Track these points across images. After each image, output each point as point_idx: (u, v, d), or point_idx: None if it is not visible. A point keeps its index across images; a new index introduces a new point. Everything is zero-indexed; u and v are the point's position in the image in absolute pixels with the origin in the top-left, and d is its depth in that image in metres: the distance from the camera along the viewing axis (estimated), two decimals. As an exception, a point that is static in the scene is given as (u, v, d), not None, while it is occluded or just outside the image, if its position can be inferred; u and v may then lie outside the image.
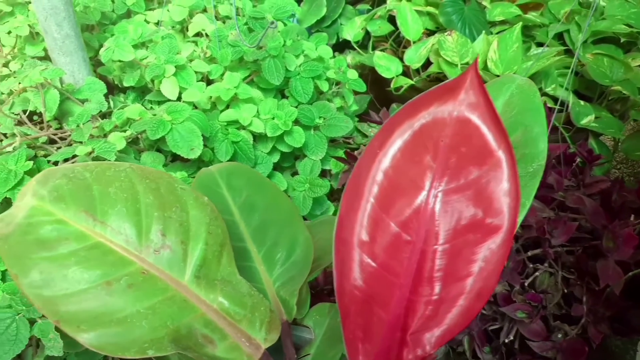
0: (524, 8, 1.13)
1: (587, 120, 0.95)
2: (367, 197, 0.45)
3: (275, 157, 0.89)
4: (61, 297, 0.41)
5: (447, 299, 0.43)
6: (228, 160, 0.82)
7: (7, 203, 0.73)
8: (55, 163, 0.78)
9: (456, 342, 0.76)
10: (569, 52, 1.05)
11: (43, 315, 0.62)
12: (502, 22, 1.12)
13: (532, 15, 1.11)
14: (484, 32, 1.03)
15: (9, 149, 0.78)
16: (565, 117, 0.97)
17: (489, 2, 1.14)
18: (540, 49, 1.04)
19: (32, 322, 0.62)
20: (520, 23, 1.00)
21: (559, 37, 1.07)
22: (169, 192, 0.47)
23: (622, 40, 1.04)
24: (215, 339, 0.44)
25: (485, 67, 0.99)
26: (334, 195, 1.05)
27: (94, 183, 0.46)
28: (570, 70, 0.76)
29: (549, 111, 0.85)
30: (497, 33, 1.09)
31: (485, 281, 0.43)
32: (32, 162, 0.74)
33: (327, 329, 0.60)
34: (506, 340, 0.72)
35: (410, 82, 1.03)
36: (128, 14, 1.05)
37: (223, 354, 0.44)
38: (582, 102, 0.97)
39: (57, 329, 0.61)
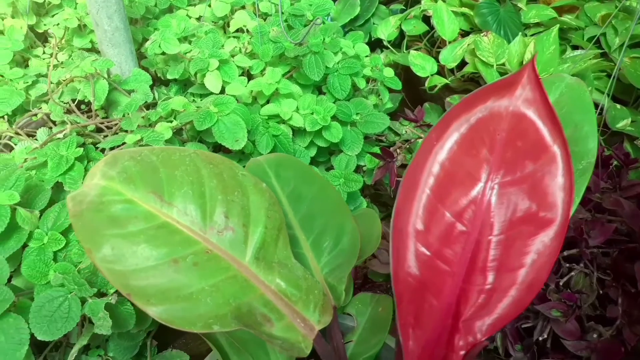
0: (559, 11, 1.13)
1: (623, 124, 0.95)
2: (422, 188, 0.46)
3: (313, 151, 0.90)
4: (131, 272, 0.43)
5: (500, 288, 0.45)
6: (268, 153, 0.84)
7: (57, 187, 0.76)
8: (103, 150, 0.81)
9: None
10: (604, 56, 1.05)
11: (94, 295, 0.65)
12: (537, 25, 1.13)
13: (567, 18, 1.11)
14: (520, 33, 1.04)
15: (60, 135, 0.81)
16: (601, 121, 0.97)
17: (525, 4, 1.14)
18: (576, 52, 1.04)
19: (83, 301, 0.64)
20: (557, 25, 1.01)
21: (595, 40, 1.07)
22: (230, 177, 0.49)
23: (660, 45, 1.04)
24: (273, 318, 0.46)
25: (521, 69, 1.00)
26: (365, 191, 1.06)
27: (161, 166, 0.48)
28: (612, 76, 0.77)
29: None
30: (531, 35, 1.10)
31: (537, 273, 0.44)
32: (81, 149, 0.76)
33: (369, 317, 0.62)
34: (540, 339, 0.73)
35: (445, 81, 1.04)
36: (170, 9, 1.08)
37: (280, 332, 0.45)
38: (618, 106, 0.97)
39: (107, 306, 0.63)
